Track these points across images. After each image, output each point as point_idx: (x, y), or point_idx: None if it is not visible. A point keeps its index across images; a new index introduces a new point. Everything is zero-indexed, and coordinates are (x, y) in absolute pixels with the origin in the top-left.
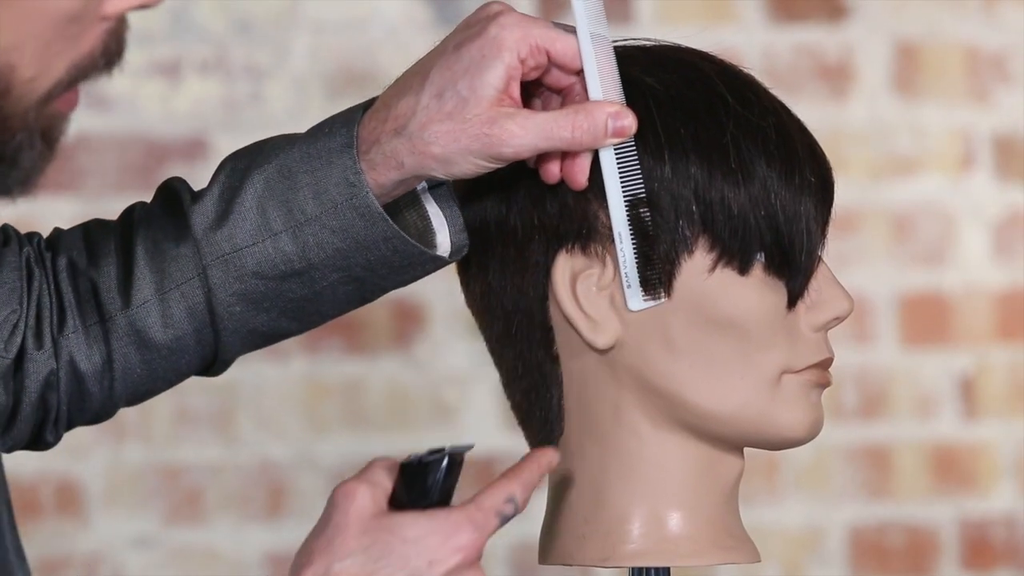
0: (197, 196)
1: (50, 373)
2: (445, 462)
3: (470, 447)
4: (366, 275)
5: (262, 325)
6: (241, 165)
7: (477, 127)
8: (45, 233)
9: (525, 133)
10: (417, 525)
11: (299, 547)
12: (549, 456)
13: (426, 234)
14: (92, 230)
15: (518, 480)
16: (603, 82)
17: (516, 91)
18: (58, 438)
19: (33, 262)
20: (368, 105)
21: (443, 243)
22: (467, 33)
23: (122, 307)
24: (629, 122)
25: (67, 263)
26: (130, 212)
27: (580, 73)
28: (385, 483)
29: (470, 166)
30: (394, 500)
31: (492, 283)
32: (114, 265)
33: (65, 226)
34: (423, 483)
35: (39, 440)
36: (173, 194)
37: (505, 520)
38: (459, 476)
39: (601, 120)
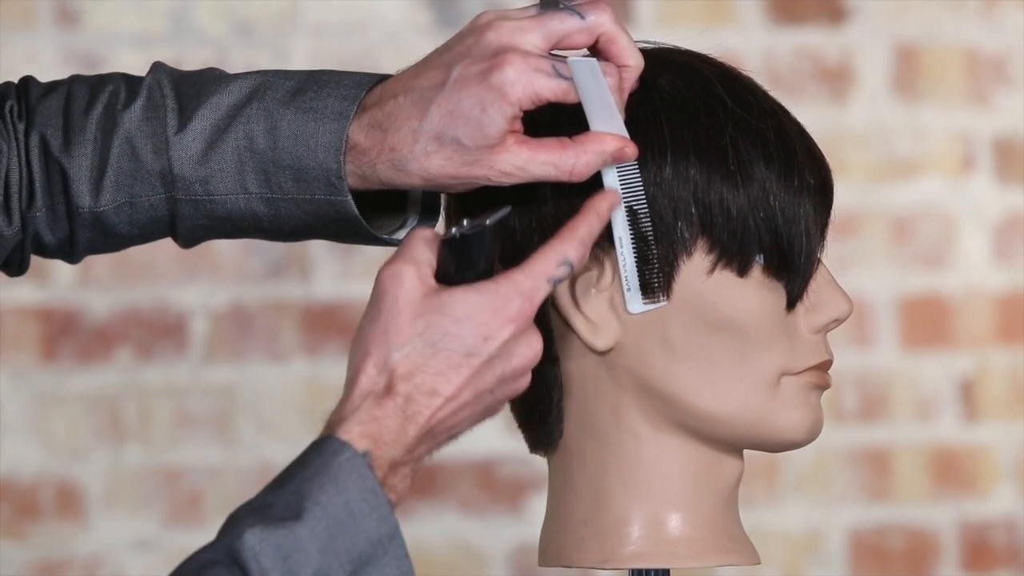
0: (183, 117)
1: (16, 244)
2: (488, 232)
3: (508, 210)
4: (332, 240)
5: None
6: (229, 101)
7: (476, 170)
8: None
9: (523, 174)
10: (467, 302)
11: (354, 338)
12: (609, 199)
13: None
14: (72, 107)
15: (572, 239)
16: (603, 114)
17: (518, 124)
18: (24, 272)
19: (1, 137)
20: (362, 95)
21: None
22: (469, 69)
23: (90, 204)
24: (629, 152)
25: (40, 141)
26: (115, 97)
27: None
28: (429, 258)
29: (463, 190)
30: (440, 274)
31: None
32: (88, 157)
33: None
34: (468, 256)
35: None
36: (159, 98)
37: (559, 282)
38: (500, 243)
39: (599, 157)
